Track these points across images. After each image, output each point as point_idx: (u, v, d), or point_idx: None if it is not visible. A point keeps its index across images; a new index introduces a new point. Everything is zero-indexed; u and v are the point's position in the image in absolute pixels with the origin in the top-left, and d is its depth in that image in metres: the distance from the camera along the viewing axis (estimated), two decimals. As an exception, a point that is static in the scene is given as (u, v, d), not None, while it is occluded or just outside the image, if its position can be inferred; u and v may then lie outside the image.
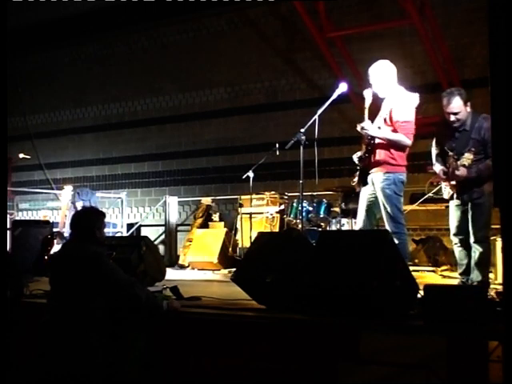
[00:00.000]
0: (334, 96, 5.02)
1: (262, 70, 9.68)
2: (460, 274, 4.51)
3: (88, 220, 3.56)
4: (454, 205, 4.47)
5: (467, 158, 4.18)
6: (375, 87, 4.66)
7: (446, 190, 4.48)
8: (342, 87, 5.02)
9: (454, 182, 4.34)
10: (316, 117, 4.97)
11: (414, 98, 4.61)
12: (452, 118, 4.32)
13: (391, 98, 4.60)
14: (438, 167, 4.53)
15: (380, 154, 4.57)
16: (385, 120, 4.57)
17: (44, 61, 11.80)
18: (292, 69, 9.49)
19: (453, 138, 4.38)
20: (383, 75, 4.62)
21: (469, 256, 4.41)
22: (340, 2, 8.48)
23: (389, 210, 4.49)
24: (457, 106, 4.27)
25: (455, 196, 4.39)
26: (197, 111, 10.34)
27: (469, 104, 4.33)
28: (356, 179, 4.77)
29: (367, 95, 4.63)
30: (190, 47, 10.35)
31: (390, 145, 4.53)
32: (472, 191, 4.28)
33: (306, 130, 5.05)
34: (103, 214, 3.71)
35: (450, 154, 4.28)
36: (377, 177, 4.56)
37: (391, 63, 4.66)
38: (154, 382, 3.62)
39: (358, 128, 4.59)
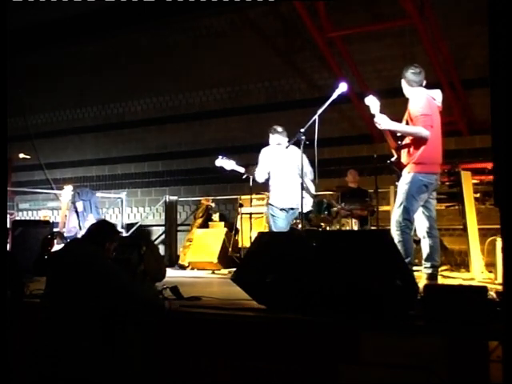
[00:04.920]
0: (334, 96, 5.02)
1: (262, 69, 9.68)
2: None
3: (104, 229, 3.63)
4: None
5: None
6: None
7: None
8: (342, 87, 5.03)
9: None
10: (316, 117, 4.97)
11: (426, 93, 4.66)
12: None
13: (409, 100, 4.69)
14: None
15: (404, 156, 4.66)
16: (407, 122, 4.64)
17: (44, 61, 11.80)
18: (292, 69, 9.49)
19: None
20: (403, 78, 4.76)
21: None
22: (340, 2, 8.48)
23: (397, 206, 4.54)
24: None
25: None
26: (197, 111, 10.35)
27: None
28: None
29: (370, 102, 4.64)
30: (190, 47, 10.35)
31: (411, 144, 4.59)
32: None
33: (305, 129, 5.05)
34: (118, 233, 3.87)
35: None
36: (402, 176, 4.65)
37: (414, 67, 4.73)
38: (154, 382, 3.62)
39: (376, 125, 4.63)
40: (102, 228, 3.65)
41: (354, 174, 7.62)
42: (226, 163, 6.13)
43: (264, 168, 5.98)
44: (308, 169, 5.81)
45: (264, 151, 6.05)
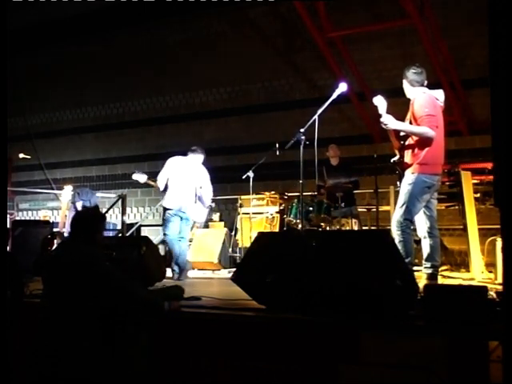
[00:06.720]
0: (334, 96, 5.02)
1: (262, 70, 9.68)
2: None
3: (89, 222, 3.50)
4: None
5: None
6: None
7: None
8: (342, 87, 5.03)
9: None
10: (316, 117, 4.97)
11: (429, 93, 4.64)
12: None
13: (412, 100, 4.65)
14: None
15: (408, 156, 4.62)
16: (410, 122, 4.60)
17: (44, 61, 11.80)
18: (292, 69, 9.50)
19: None
20: (404, 78, 4.73)
21: None
22: (340, 2, 8.49)
23: (399, 206, 4.52)
24: None
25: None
26: (197, 111, 10.35)
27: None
28: None
29: (378, 102, 4.61)
30: (190, 47, 10.35)
31: (415, 145, 4.57)
32: None
33: (305, 129, 5.04)
34: (104, 218, 3.69)
35: None
36: (405, 176, 4.62)
37: (415, 67, 4.68)
38: (154, 382, 3.62)
39: (382, 125, 4.59)
40: (85, 222, 3.50)
41: (335, 149, 7.54)
42: (140, 177, 6.52)
43: (164, 175, 6.45)
44: (207, 183, 6.54)
45: (169, 160, 6.56)
